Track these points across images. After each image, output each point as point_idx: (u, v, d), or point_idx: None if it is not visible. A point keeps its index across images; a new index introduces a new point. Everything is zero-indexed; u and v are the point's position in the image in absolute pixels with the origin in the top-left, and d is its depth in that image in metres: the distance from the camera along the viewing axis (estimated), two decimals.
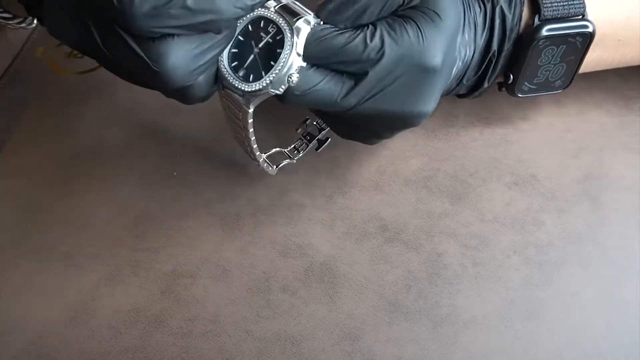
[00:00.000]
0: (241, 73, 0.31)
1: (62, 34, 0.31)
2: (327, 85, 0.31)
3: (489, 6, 0.36)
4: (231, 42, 0.31)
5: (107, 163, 0.42)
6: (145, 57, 0.29)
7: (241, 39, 0.31)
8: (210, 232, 0.38)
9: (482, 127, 0.42)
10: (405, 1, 0.32)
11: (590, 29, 0.36)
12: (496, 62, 0.37)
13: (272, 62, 0.30)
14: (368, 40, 0.30)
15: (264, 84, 0.30)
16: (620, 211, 0.37)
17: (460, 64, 0.35)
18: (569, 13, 0.36)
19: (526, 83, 0.39)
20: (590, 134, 0.41)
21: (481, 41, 0.36)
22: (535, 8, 0.36)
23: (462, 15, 0.35)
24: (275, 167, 0.39)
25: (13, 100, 0.47)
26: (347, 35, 0.30)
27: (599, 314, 0.33)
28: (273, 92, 0.30)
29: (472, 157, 0.40)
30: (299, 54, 0.30)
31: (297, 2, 0.31)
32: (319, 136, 0.39)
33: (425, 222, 0.37)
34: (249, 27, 0.31)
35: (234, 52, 0.31)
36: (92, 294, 0.35)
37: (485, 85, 0.38)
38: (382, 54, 0.30)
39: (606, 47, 0.39)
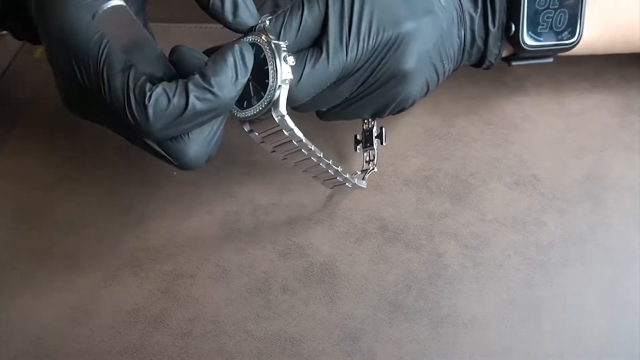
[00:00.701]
0: (253, 102, 0.32)
1: (88, 118, 0.33)
2: (314, 58, 0.32)
3: None
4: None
5: (107, 163, 0.42)
6: (166, 156, 0.31)
7: None
8: (210, 232, 0.38)
9: (482, 127, 0.42)
10: None
11: None
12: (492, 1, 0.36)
13: (265, 67, 0.31)
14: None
15: (272, 81, 0.31)
16: (621, 211, 0.37)
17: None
18: None
19: (530, 33, 0.37)
20: (591, 134, 0.41)
21: None
22: None
23: None
24: (363, 179, 0.38)
25: (13, 100, 0.47)
26: (295, 9, 0.32)
27: (600, 314, 0.33)
28: (286, 79, 0.31)
29: (472, 157, 0.40)
30: (277, 40, 0.31)
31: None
32: (375, 134, 0.39)
33: (425, 222, 0.37)
34: None
35: (238, 100, 0.32)
36: (92, 294, 0.35)
37: (491, 28, 0.37)
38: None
39: (604, 8, 0.38)
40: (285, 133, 0.31)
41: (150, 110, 0.29)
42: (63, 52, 0.30)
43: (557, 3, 0.37)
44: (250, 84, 0.32)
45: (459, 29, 0.36)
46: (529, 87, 0.43)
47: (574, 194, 0.38)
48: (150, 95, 0.29)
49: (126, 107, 0.29)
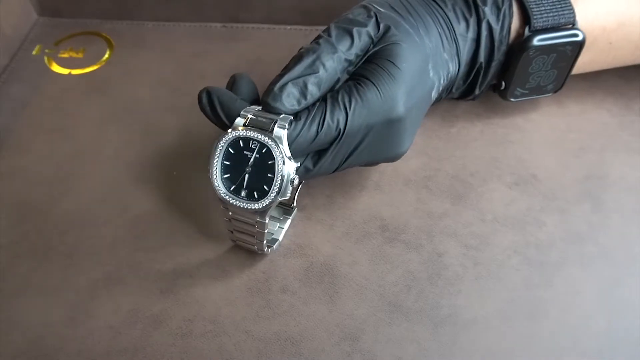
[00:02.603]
0: (243, 193, 0.32)
1: None
2: (304, 164, 0.33)
3: (472, 20, 0.36)
4: (220, 169, 0.32)
5: (107, 163, 0.42)
6: None
7: (227, 163, 0.32)
8: (210, 232, 0.38)
9: (482, 127, 0.42)
10: (341, 81, 0.33)
11: (580, 38, 0.36)
12: (485, 72, 0.37)
13: (269, 174, 0.31)
14: (334, 119, 0.31)
15: (272, 197, 0.31)
16: (621, 211, 0.37)
17: (443, 81, 0.36)
18: (559, 23, 0.36)
19: (518, 88, 0.39)
20: (591, 134, 0.41)
21: (465, 54, 0.36)
22: (525, 19, 0.36)
23: (439, 36, 0.35)
24: (274, 245, 0.37)
25: (12, 99, 0.47)
26: (316, 122, 0.31)
27: (599, 314, 0.33)
28: (282, 199, 0.31)
29: (472, 156, 0.40)
30: (290, 158, 0.31)
31: (259, 110, 0.32)
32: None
33: (425, 222, 0.37)
34: (230, 150, 0.32)
35: (226, 178, 0.32)
36: (92, 294, 0.35)
37: (477, 92, 0.39)
38: (345, 124, 0.31)
39: (598, 51, 0.39)
40: (253, 227, 0.33)
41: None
42: None
43: (550, 65, 0.38)
44: (247, 176, 0.31)
45: (439, 94, 0.37)
46: None
47: (573, 193, 0.38)
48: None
49: None
